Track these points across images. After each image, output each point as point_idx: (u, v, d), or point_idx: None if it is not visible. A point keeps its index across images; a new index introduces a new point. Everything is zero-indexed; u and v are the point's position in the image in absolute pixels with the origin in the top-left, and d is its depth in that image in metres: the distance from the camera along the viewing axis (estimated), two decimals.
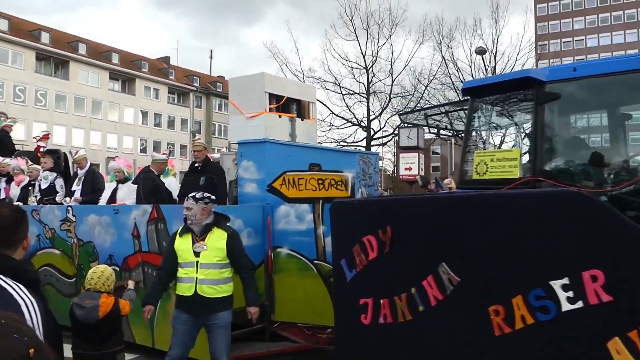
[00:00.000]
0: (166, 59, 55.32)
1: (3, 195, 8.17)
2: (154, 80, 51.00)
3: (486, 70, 27.76)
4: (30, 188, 7.93)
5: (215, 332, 4.20)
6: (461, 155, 4.10)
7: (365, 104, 27.66)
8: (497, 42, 28.55)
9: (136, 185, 6.49)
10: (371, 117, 27.71)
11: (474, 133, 4.08)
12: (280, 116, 6.04)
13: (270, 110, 5.90)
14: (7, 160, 8.53)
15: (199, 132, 52.48)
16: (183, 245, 4.24)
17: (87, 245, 6.38)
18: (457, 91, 26.96)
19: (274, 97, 5.99)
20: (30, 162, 8.18)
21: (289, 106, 6.22)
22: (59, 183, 7.45)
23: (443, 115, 4.77)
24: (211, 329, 4.23)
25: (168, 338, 5.20)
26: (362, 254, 3.82)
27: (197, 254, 4.17)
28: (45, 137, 9.51)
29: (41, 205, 7.24)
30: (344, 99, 27.53)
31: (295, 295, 5.20)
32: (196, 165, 6.33)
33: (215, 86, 56.84)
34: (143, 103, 49.92)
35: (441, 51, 28.27)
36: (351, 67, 27.51)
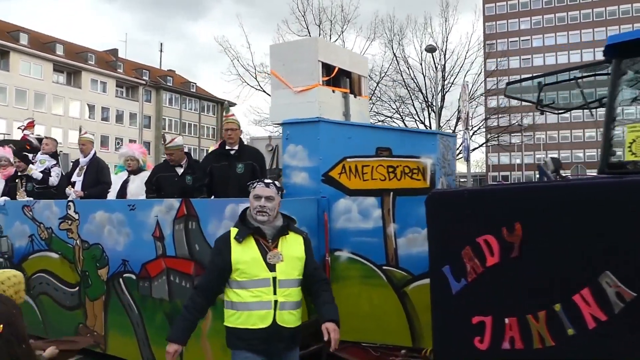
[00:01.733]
0: (114, 52, 55.86)
1: None
2: (102, 73, 51.57)
3: (436, 68, 29.13)
4: (17, 180, 7.20)
5: None
6: (604, 132, 3.41)
7: None
8: (447, 40, 30.77)
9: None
10: None
11: (621, 103, 3.40)
12: (334, 91, 5.28)
13: (322, 83, 5.13)
14: None
15: (148, 127, 52.44)
16: (246, 255, 3.20)
17: (94, 249, 5.63)
18: (408, 88, 29.39)
19: (324, 68, 5.22)
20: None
21: (340, 80, 5.45)
22: (56, 171, 6.66)
23: (568, 83, 4.04)
24: None
25: None
26: (477, 259, 3.19)
27: (271, 267, 3.18)
28: (30, 124, 8.82)
29: (34, 200, 6.45)
30: None
31: (358, 309, 4.51)
32: (228, 148, 5.34)
33: (165, 80, 57.69)
34: (90, 96, 50.33)
35: (392, 49, 29.73)
36: None
